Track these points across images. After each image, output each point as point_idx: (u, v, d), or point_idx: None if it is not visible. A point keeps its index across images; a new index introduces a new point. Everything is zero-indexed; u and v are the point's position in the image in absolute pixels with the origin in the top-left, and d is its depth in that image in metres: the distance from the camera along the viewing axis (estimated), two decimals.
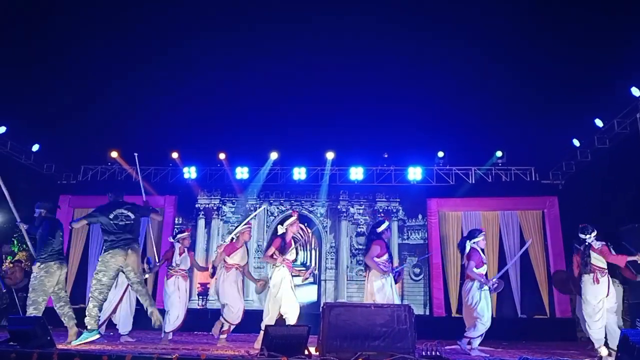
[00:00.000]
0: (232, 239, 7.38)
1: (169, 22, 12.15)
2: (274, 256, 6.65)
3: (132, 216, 6.60)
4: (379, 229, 6.94)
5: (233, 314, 7.30)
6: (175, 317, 7.51)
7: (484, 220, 12.39)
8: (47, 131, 12.35)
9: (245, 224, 7.50)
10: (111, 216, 6.52)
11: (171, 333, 7.51)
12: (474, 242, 6.83)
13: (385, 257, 6.74)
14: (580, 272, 6.57)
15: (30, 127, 12.02)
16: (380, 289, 6.54)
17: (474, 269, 6.72)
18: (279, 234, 6.83)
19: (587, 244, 6.51)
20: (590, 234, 6.50)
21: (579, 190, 11.86)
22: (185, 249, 7.90)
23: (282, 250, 6.65)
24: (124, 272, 6.47)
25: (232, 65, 12.89)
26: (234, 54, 12.78)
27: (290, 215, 7.01)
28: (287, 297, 6.47)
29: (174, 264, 7.72)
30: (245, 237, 7.41)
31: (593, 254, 6.39)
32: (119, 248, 6.38)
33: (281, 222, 6.98)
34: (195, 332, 10.58)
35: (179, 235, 7.93)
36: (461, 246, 7.04)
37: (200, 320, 11.69)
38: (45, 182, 13.30)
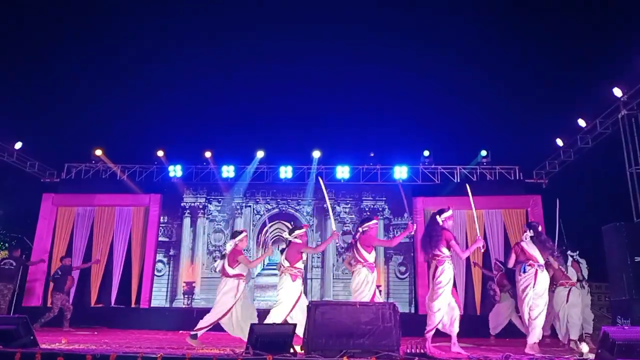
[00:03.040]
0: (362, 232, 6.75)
1: (156, 23, 12.11)
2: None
3: None
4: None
5: None
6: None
7: (468, 219, 12.49)
8: (30, 128, 12.22)
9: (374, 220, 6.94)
10: None
11: None
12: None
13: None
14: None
15: (13, 124, 11.88)
16: None
17: None
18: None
19: (575, 259, 7.70)
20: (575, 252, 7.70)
21: (562, 190, 12.01)
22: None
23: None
24: None
25: (218, 65, 12.88)
26: (221, 54, 12.78)
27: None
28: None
29: (299, 264, 6.79)
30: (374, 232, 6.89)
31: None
32: None
33: None
34: (180, 332, 10.52)
35: (296, 232, 6.97)
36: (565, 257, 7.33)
37: (186, 319, 11.66)
38: (28, 180, 13.15)
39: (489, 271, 10.28)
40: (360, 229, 6.75)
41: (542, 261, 6.38)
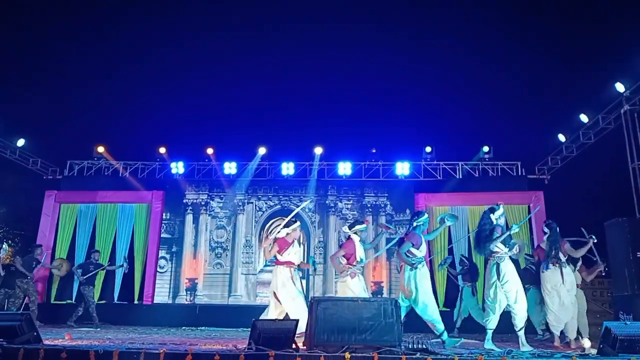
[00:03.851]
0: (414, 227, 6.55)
1: (157, 19, 12.10)
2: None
3: None
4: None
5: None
6: None
7: (470, 214, 12.48)
8: (32, 126, 12.24)
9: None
10: None
11: None
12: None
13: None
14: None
15: (16, 122, 11.90)
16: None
17: None
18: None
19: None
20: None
21: (564, 185, 12.01)
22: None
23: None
24: None
25: (220, 61, 12.87)
26: (223, 50, 12.78)
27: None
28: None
29: (357, 260, 6.50)
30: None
31: None
32: None
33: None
34: (183, 328, 10.57)
35: (357, 227, 6.66)
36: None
37: (189, 316, 11.71)
38: (30, 177, 13.18)
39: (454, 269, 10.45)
40: (414, 224, 6.53)
41: (564, 258, 6.60)
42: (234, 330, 9.71)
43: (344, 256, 6.54)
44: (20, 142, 12.52)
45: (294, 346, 5.02)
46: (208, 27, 12.32)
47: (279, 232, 7.07)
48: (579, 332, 7.29)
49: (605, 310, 9.37)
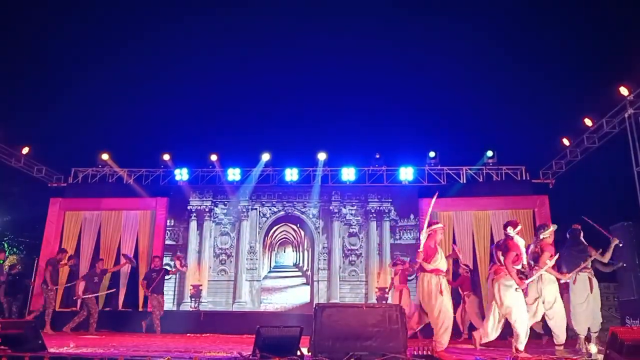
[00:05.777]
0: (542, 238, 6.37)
1: (161, 28, 12.17)
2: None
3: None
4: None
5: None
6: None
7: (475, 219, 12.44)
8: (37, 133, 12.31)
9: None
10: None
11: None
12: None
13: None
14: None
15: (20, 130, 11.97)
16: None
17: None
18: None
19: None
20: None
21: (569, 189, 11.96)
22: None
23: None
24: None
25: (224, 67, 12.91)
26: (227, 56, 12.82)
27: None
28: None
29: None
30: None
31: None
32: None
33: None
34: (188, 334, 10.56)
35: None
36: None
37: (193, 322, 11.69)
38: (35, 185, 13.23)
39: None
40: (540, 236, 6.40)
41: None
42: (239, 336, 9.69)
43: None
44: (25, 150, 12.58)
45: (298, 353, 5.01)
46: (211, 34, 12.40)
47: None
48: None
49: (612, 315, 9.31)
